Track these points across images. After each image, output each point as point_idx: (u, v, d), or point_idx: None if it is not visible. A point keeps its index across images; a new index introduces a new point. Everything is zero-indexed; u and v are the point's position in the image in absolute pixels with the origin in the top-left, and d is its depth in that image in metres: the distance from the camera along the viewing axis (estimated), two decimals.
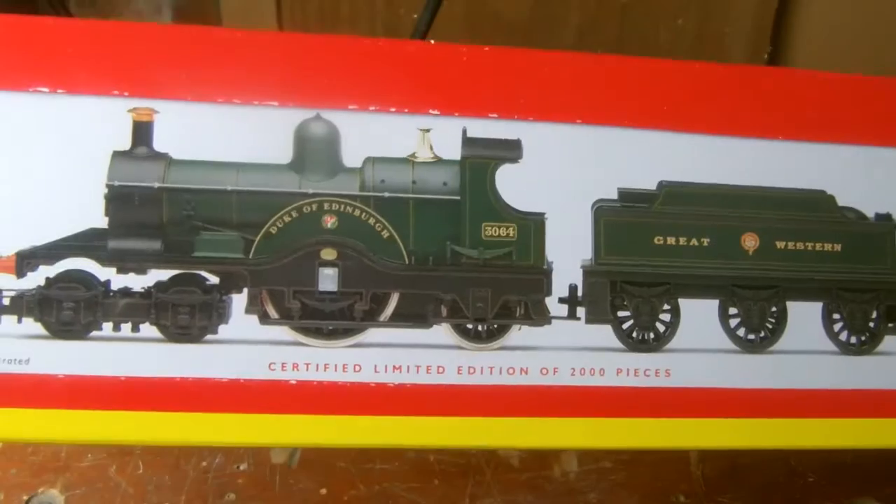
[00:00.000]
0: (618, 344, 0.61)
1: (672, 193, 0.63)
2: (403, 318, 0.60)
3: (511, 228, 0.61)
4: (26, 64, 0.56)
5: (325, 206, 0.59)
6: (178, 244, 0.58)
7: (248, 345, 0.57)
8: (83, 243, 0.57)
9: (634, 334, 0.62)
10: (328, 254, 0.59)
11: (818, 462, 0.91)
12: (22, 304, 0.56)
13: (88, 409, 0.55)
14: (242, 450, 0.90)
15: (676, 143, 0.63)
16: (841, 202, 0.65)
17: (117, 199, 0.57)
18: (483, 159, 0.61)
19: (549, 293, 0.61)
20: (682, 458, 0.91)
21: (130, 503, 0.88)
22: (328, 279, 0.59)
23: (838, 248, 0.65)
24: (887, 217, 0.66)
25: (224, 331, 0.58)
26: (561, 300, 0.61)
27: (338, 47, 0.60)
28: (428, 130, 0.60)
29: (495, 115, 0.61)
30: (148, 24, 0.58)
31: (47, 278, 0.57)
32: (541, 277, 0.61)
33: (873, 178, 0.66)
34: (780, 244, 0.64)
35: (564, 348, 0.60)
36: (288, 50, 0.59)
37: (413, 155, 0.60)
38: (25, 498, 0.86)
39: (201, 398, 0.56)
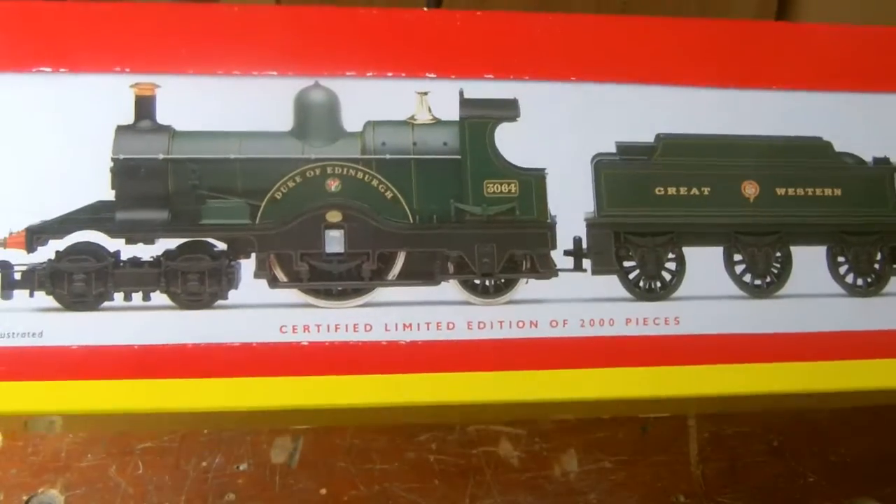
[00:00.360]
0: (625, 294, 0.62)
1: (670, 145, 0.63)
2: (411, 276, 0.60)
3: (512, 185, 0.62)
4: (28, 46, 0.57)
5: (329, 170, 0.60)
6: (184, 213, 0.59)
7: (258, 309, 0.58)
8: (91, 216, 0.57)
9: (641, 283, 0.63)
10: (333, 216, 0.60)
11: (818, 462, 0.91)
12: (33, 278, 0.57)
13: (103, 378, 0.56)
14: (242, 450, 0.90)
15: (671, 97, 0.64)
16: (838, 148, 0.66)
17: (123, 171, 0.58)
18: (481, 119, 0.62)
19: (553, 246, 0.62)
20: (683, 458, 0.91)
21: (130, 503, 0.88)
22: (334, 241, 0.60)
23: (838, 192, 0.66)
24: (885, 160, 0.66)
25: (234, 296, 0.58)
26: (566, 252, 0.62)
27: (334, 17, 0.61)
28: (426, 93, 0.61)
29: (491, 76, 0.62)
30: (146, 4, 0.59)
31: (57, 252, 0.57)
32: (545, 231, 0.62)
33: (869, 124, 0.67)
34: (780, 191, 0.65)
35: (573, 300, 0.61)
36: (285, 21, 0.60)
37: (412, 117, 0.61)
38: (25, 498, 0.86)
39: (214, 363, 0.57)
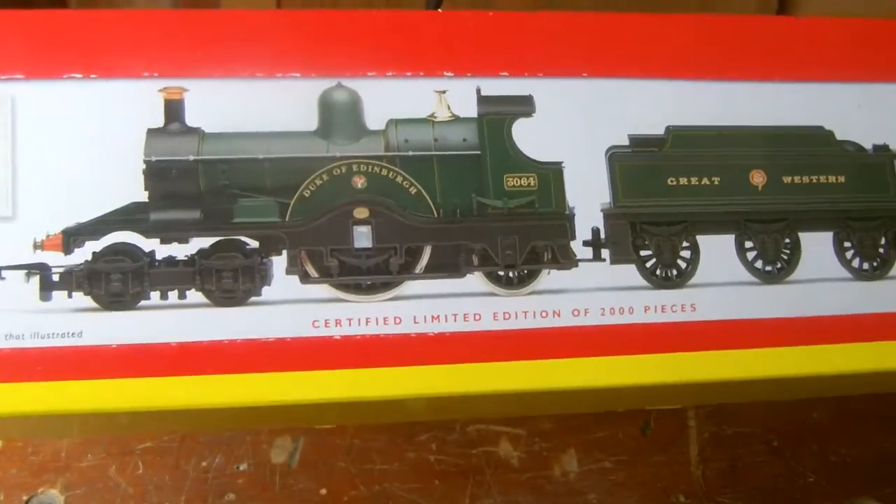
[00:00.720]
0: (643, 282, 0.64)
1: (679, 136, 0.66)
2: (437, 269, 0.62)
3: (531, 178, 0.63)
4: (59, 53, 0.59)
5: (354, 167, 0.62)
6: (216, 212, 0.60)
7: (291, 304, 0.59)
8: (126, 217, 0.59)
9: (658, 272, 0.65)
10: (360, 212, 0.61)
11: (818, 462, 0.93)
12: (71, 279, 0.58)
13: (142, 376, 0.57)
14: (242, 450, 0.91)
15: (680, 90, 0.66)
16: (839, 136, 0.68)
17: (155, 173, 0.59)
18: (499, 115, 0.63)
19: (573, 237, 0.63)
20: (683, 458, 0.92)
21: (130, 503, 0.89)
22: (362, 236, 0.61)
23: (842, 179, 0.68)
24: (884, 147, 0.69)
25: (267, 292, 0.60)
26: (585, 243, 0.63)
27: (354, 20, 0.62)
28: (444, 92, 0.63)
29: (506, 74, 0.64)
30: (173, 11, 0.61)
31: (94, 253, 0.59)
32: (564, 222, 0.63)
33: (869, 113, 0.69)
34: (786, 179, 0.67)
35: (593, 289, 0.63)
36: (307, 25, 0.62)
37: (432, 115, 0.63)
38: (25, 498, 0.87)
39: (249, 359, 0.58)
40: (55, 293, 0.58)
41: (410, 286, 0.61)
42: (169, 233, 0.60)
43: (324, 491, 0.90)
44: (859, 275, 0.67)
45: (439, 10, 0.64)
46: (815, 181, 0.68)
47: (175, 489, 0.90)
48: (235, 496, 0.90)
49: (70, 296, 0.58)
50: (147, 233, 0.59)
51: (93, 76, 0.59)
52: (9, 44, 0.58)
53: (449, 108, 0.63)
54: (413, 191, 0.62)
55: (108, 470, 0.89)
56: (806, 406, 0.94)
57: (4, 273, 0.57)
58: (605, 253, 0.64)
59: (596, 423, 0.92)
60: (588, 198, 0.64)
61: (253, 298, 0.60)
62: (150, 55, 0.60)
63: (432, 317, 0.60)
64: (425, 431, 0.92)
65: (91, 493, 0.87)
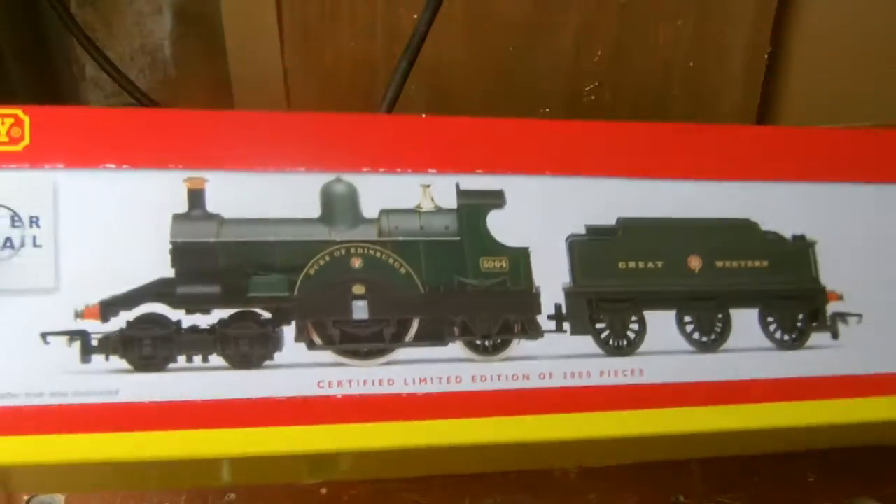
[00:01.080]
0: (599, 350, 0.73)
1: (628, 226, 0.75)
2: (424, 338, 0.71)
3: (503, 261, 0.73)
4: (96, 146, 0.67)
5: (352, 250, 0.70)
6: (234, 287, 0.68)
7: (299, 368, 0.68)
8: (155, 290, 0.67)
9: (611, 342, 0.74)
10: (358, 289, 0.70)
11: (818, 462, 0.95)
12: (108, 345, 0.65)
13: (172, 429, 0.65)
14: None
15: (630, 187, 0.76)
16: (764, 228, 0.79)
17: (180, 253, 0.67)
18: (475, 207, 0.73)
19: (539, 312, 0.73)
20: (683, 459, 0.94)
21: (130, 503, 0.90)
22: (360, 309, 0.70)
23: (766, 263, 0.79)
24: (802, 237, 0.79)
25: (279, 357, 0.68)
26: (549, 317, 0.73)
27: (352, 122, 0.72)
28: (428, 186, 0.72)
29: (481, 171, 0.73)
30: (195, 112, 0.69)
31: (128, 321, 0.66)
32: (531, 299, 0.73)
33: (788, 208, 0.80)
34: (719, 263, 0.77)
35: (556, 357, 0.72)
36: (311, 125, 0.71)
37: (418, 206, 0.72)
38: (26, 498, 0.89)
39: (264, 415, 0.66)
40: (94, 356, 0.65)
41: (401, 353, 0.70)
42: (192, 305, 0.68)
43: (324, 491, 0.92)
44: (781, 345, 0.77)
45: (424, 116, 0.73)
46: (742, 266, 0.78)
47: (175, 489, 0.91)
48: (236, 496, 0.92)
49: (107, 359, 0.65)
50: (174, 304, 0.67)
51: (125, 167, 0.67)
52: (51, 136, 0.66)
53: (433, 199, 0.72)
54: (403, 271, 0.71)
55: None
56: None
57: (49, 339, 0.65)
58: (566, 325, 0.73)
59: None
60: (551, 278, 0.73)
61: (266, 362, 0.68)
62: (176, 149, 0.68)
63: (420, 379, 0.69)
64: None
65: (91, 493, 0.89)
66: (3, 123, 0.64)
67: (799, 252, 0.80)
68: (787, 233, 0.79)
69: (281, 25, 1.54)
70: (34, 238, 0.65)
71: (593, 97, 1.71)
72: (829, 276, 0.80)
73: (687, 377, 0.74)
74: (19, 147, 0.65)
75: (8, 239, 0.64)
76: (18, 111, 0.65)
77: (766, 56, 1.70)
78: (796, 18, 1.69)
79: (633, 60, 1.70)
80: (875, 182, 0.82)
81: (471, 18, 1.58)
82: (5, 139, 0.64)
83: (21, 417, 0.63)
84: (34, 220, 0.65)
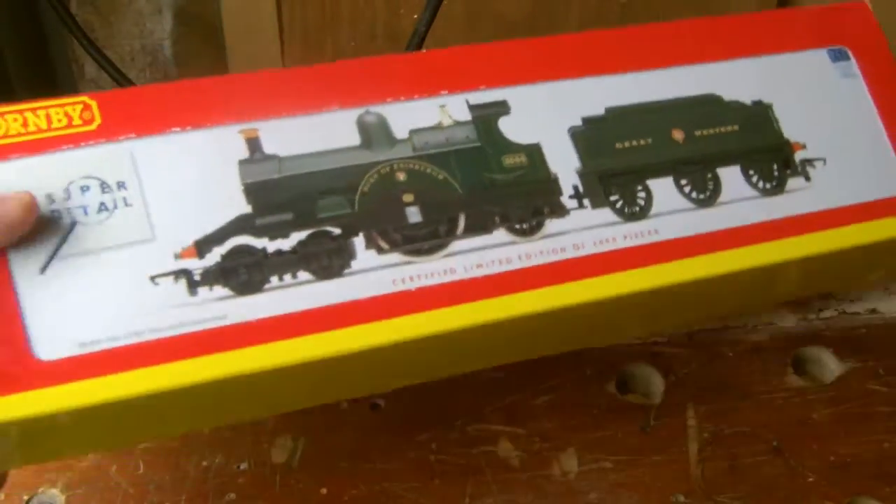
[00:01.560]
0: (618, 219, 0.84)
1: (616, 113, 0.87)
2: (472, 230, 0.81)
3: (521, 156, 0.83)
4: (159, 115, 0.75)
5: (395, 166, 0.80)
6: (304, 211, 0.77)
7: (374, 271, 0.77)
8: (239, 225, 0.75)
9: (626, 210, 0.85)
10: (407, 197, 0.80)
11: (818, 462, 0.95)
12: (210, 276, 0.73)
13: (278, 340, 0.73)
14: (243, 449, 0.96)
15: (614, 82, 0.88)
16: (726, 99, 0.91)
17: (252, 191, 0.76)
18: (487, 116, 0.83)
19: (561, 193, 0.83)
20: (683, 458, 0.95)
21: (131, 503, 0.91)
22: (413, 214, 0.79)
23: (736, 127, 0.91)
24: (759, 101, 0.92)
25: (355, 265, 0.77)
26: (570, 197, 0.83)
27: (372, 63, 0.83)
28: (444, 105, 0.83)
29: (484, 87, 0.84)
30: (240, 75, 0.79)
31: (221, 255, 0.74)
32: (552, 184, 0.83)
33: (743, 81, 0.92)
34: (697, 132, 0.89)
35: (584, 229, 0.83)
36: (339, 71, 0.82)
37: (439, 123, 0.82)
38: (26, 497, 0.90)
39: (354, 315, 0.75)
40: (199, 289, 0.74)
41: (455, 245, 0.80)
42: (272, 232, 0.76)
43: (324, 490, 0.93)
44: (764, 192, 0.89)
45: (437, 50, 0.84)
46: (717, 132, 0.90)
47: (175, 489, 0.92)
48: (236, 495, 0.93)
49: (211, 289, 0.74)
50: (257, 234, 0.75)
51: (188, 128, 0.76)
52: (120, 113, 0.74)
53: (450, 116, 0.83)
54: (440, 177, 0.81)
55: (108, 469, 0.93)
56: (806, 406, 0.98)
57: (158, 280, 0.73)
58: (586, 202, 0.84)
59: (596, 423, 0.97)
60: (564, 164, 0.84)
61: (346, 271, 0.77)
62: (229, 107, 0.77)
63: (476, 265, 0.79)
64: (425, 431, 0.98)
65: (92, 493, 0.91)
66: (74, 111, 0.73)
67: (761, 114, 0.92)
68: (747, 100, 0.92)
69: (281, 25, 1.57)
70: (124, 199, 0.73)
71: None
72: (790, 130, 0.93)
73: (695, 230, 0.85)
74: (93, 126, 0.73)
75: (102, 203, 0.72)
76: (85, 98, 0.73)
77: None
78: None
79: None
80: (804, 49, 0.95)
81: (471, 18, 1.60)
82: (79, 122, 0.72)
83: (148, 351, 0.71)
84: (121, 185, 0.73)
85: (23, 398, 0.68)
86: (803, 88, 0.95)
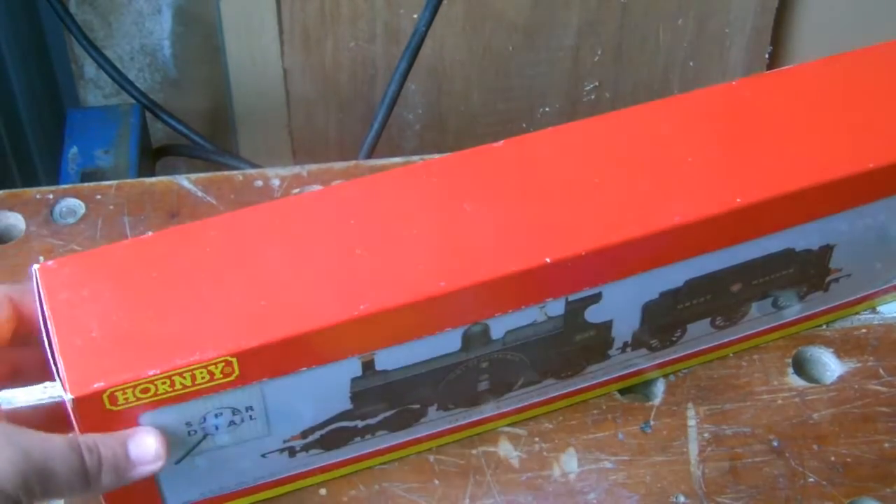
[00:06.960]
0: (648, 353, 0.99)
1: (694, 283, 0.93)
2: (524, 385, 0.95)
3: (591, 332, 0.93)
4: (289, 358, 0.82)
5: (481, 358, 0.89)
6: (396, 401, 0.90)
7: (436, 421, 0.95)
8: (340, 417, 0.89)
9: (659, 347, 0.99)
10: (482, 377, 0.92)
11: (818, 462, 0.93)
12: (309, 446, 0.92)
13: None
14: None
15: (709, 257, 0.92)
16: None
17: (357, 397, 0.88)
18: (578, 308, 0.90)
19: (610, 348, 0.97)
20: (683, 458, 0.94)
21: None
22: (483, 385, 0.93)
23: (792, 270, 0.98)
24: (826, 245, 0.97)
25: (423, 420, 0.93)
26: (616, 349, 0.97)
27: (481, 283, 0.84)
28: (544, 307, 0.88)
29: (586, 287, 0.89)
30: (373, 312, 0.83)
31: (321, 434, 0.89)
32: (604, 347, 0.96)
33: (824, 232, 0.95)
34: (755, 281, 0.97)
35: (617, 364, 0.99)
36: (454, 300, 0.85)
37: (535, 321, 0.89)
38: None
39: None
40: (298, 454, 0.90)
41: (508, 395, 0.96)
42: (366, 418, 0.91)
43: (323, 491, 0.93)
44: (780, 309, 1.01)
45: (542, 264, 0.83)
46: (772, 277, 0.97)
47: None
48: None
49: (308, 453, 0.92)
50: (352, 420, 0.89)
51: (314, 366, 0.84)
52: (258, 365, 0.81)
53: (546, 314, 0.88)
54: (516, 359, 0.91)
55: None
56: (806, 406, 0.97)
57: (267, 455, 0.89)
58: (627, 349, 0.97)
59: (596, 423, 0.96)
60: (626, 330, 0.95)
61: (414, 424, 0.94)
62: (352, 345, 0.85)
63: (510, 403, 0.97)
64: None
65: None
66: (216, 368, 0.79)
67: (821, 256, 0.97)
68: (816, 246, 0.96)
69: (281, 25, 1.58)
70: (250, 415, 0.85)
71: (593, 97, 1.74)
72: (837, 262, 1.00)
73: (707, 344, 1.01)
74: (232, 378, 0.81)
75: (231, 421, 0.85)
76: (227, 357, 0.79)
77: (766, 56, 1.73)
78: (796, 18, 1.66)
79: (633, 60, 1.72)
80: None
81: (471, 18, 1.62)
82: (220, 376, 0.80)
83: (249, 490, 0.93)
84: (248, 409, 0.85)
85: None
86: (871, 230, 0.98)
